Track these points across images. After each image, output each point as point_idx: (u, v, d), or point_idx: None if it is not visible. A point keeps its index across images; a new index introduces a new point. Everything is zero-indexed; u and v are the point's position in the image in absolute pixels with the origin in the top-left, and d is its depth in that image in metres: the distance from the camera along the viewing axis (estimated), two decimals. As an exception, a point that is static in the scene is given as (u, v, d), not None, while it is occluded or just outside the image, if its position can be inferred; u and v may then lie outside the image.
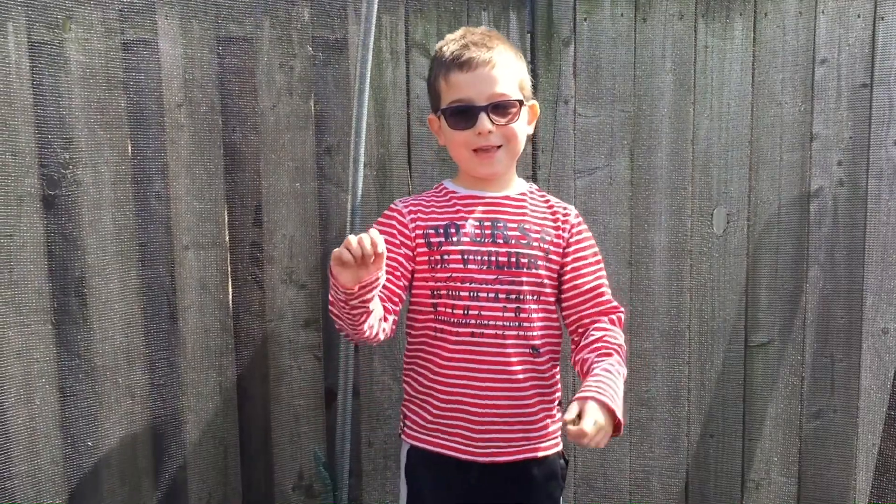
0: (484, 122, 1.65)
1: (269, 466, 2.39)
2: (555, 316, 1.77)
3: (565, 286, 1.75)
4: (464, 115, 1.67)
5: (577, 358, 1.73)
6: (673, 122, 2.35)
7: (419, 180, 2.33)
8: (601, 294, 1.77)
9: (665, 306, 2.40)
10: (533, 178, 2.35)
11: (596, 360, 1.65)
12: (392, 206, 1.80)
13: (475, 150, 1.70)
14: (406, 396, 1.84)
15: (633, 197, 2.37)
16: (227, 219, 2.27)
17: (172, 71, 2.16)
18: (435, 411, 1.73)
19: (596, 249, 1.81)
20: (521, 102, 1.70)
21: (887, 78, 2.37)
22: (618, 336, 1.74)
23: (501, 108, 1.67)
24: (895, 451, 2.10)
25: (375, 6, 2.08)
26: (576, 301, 1.75)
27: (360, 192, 2.18)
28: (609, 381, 1.57)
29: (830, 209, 2.40)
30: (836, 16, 2.35)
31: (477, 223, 1.70)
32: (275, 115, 2.25)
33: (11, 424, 2.00)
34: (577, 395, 1.55)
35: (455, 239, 1.69)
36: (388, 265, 1.66)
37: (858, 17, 2.35)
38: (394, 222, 1.75)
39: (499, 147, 1.69)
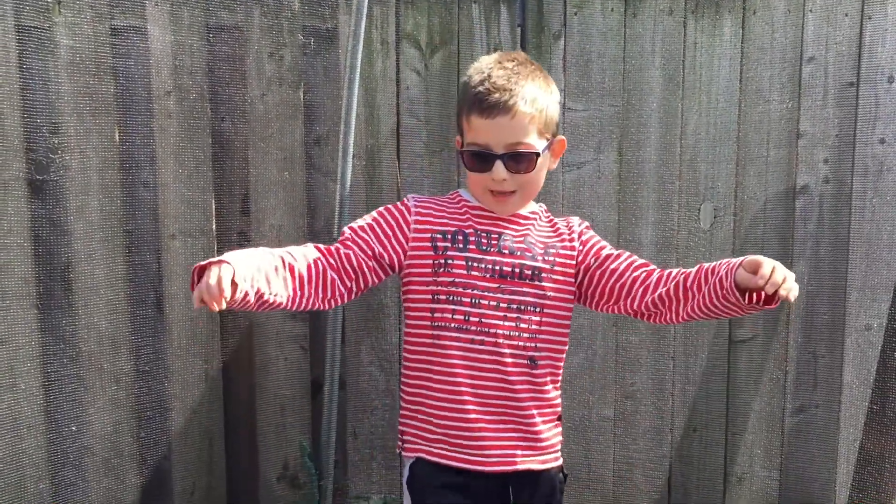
0: (499, 170, 1.65)
1: (254, 457, 2.39)
2: (559, 331, 1.73)
3: (603, 278, 1.71)
4: (481, 159, 1.66)
5: (660, 291, 1.65)
6: (661, 118, 2.37)
7: (408, 171, 2.33)
8: (636, 260, 1.73)
9: (651, 300, 2.41)
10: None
11: (687, 273, 1.61)
12: (405, 199, 1.77)
13: (490, 191, 1.69)
14: (405, 410, 1.78)
15: (621, 191, 2.38)
16: (214, 207, 2.27)
17: (162, 58, 2.15)
18: (437, 421, 1.69)
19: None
20: (538, 154, 1.67)
21: (873, 76, 2.39)
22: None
23: (518, 158, 1.66)
24: (876, 445, 2.12)
25: (367, -4, 2.08)
26: (621, 279, 1.69)
27: (349, 182, 2.18)
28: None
29: (816, 206, 2.42)
30: (823, 14, 2.37)
31: (485, 234, 1.70)
32: (264, 104, 2.25)
33: (-5, 409, 2.00)
34: (727, 267, 1.52)
35: (461, 245, 1.69)
36: (360, 239, 1.68)
37: (846, 15, 2.37)
38: (396, 214, 1.73)
39: (513, 192, 1.69)
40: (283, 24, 2.24)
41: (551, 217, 1.81)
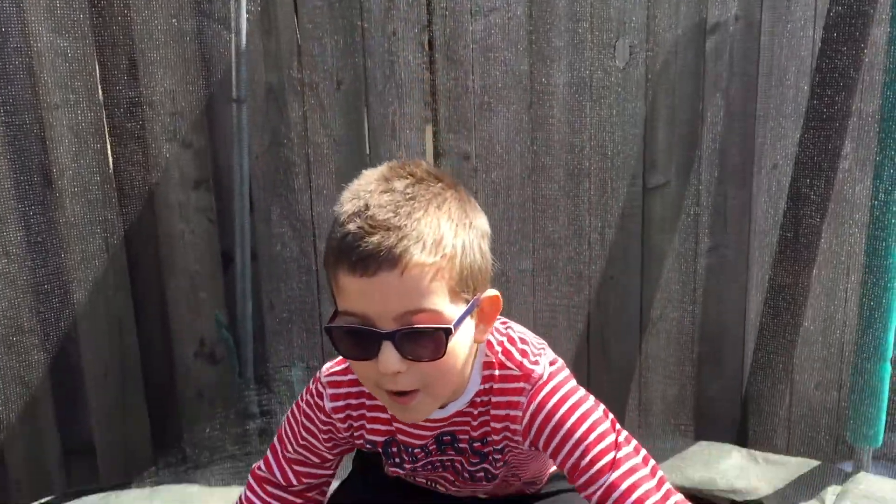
0: (388, 358, 1.05)
1: (167, 335, 2.30)
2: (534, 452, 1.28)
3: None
4: (359, 340, 1.07)
5: None
6: (570, -48, 2.27)
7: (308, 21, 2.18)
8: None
9: (567, 145, 2.37)
10: (428, 23, 2.23)
11: None
12: (315, 391, 1.27)
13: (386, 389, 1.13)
14: None
15: (534, 32, 2.29)
16: (98, 70, 2.08)
17: None
18: None
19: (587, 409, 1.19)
20: (448, 332, 1.05)
21: None
22: None
23: (416, 337, 1.05)
24: (789, 272, 2.19)
25: None
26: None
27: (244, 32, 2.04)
28: None
29: (727, 42, 2.40)
30: None
31: (432, 441, 1.24)
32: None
33: None
34: None
35: (398, 460, 1.26)
36: (296, 435, 1.31)
37: None
38: (316, 420, 1.28)
39: (416, 391, 1.11)
40: None
41: (503, 383, 1.20)
